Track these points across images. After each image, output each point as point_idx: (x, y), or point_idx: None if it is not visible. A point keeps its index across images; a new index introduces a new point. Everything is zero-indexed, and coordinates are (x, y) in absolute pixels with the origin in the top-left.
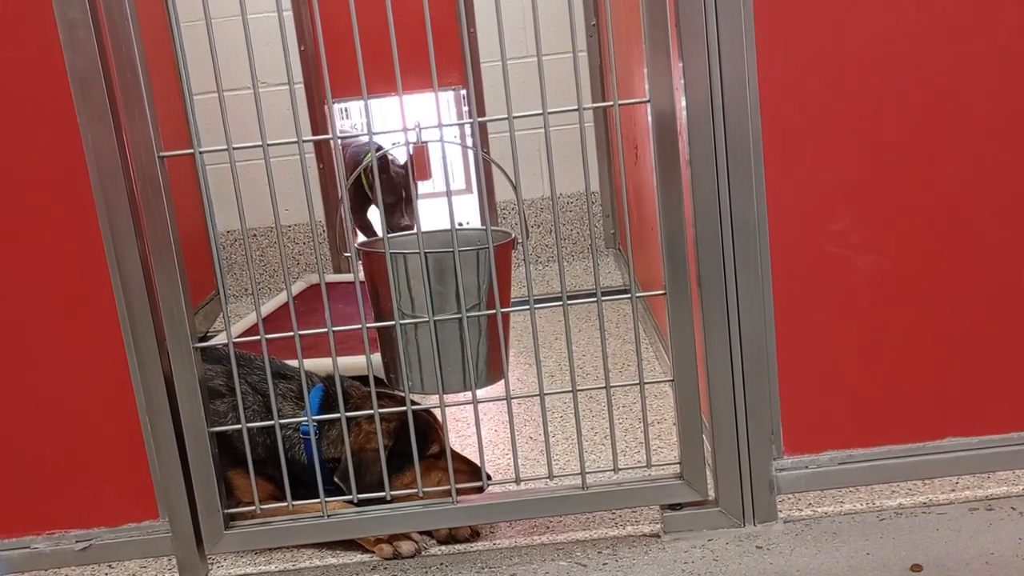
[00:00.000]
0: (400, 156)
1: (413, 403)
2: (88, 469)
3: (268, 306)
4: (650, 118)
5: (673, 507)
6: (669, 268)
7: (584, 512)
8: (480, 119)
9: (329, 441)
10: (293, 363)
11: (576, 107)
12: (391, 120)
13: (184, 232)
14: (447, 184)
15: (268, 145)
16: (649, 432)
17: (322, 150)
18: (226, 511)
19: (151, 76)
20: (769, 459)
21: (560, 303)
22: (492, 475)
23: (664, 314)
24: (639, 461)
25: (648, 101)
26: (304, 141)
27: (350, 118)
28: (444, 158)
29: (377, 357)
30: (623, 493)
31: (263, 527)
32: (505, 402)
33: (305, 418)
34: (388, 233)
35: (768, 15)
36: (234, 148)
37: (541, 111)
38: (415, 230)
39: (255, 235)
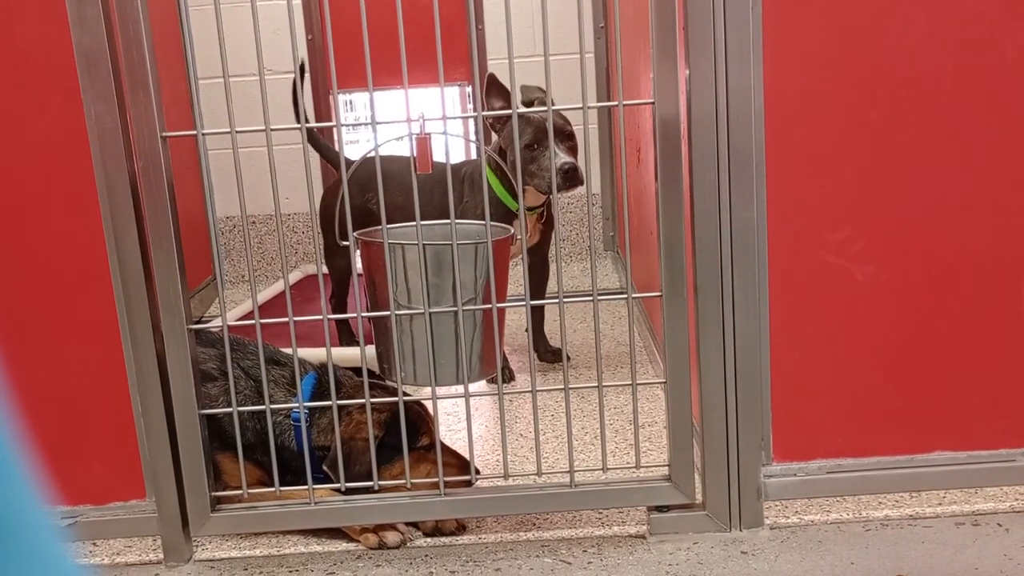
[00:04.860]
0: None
1: (405, 395)
2: (77, 446)
3: (264, 294)
4: (654, 120)
5: (660, 509)
6: (667, 271)
7: (571, 510)
8: (485, 113)
9: (320, 429)
10: (287, 350)
11: (581, 106)
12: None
13: (183, 217)
14: (448, 178)
15: (271, 130)
16: (640, 434)
17: (325, 139)
18: (213, 494)
19: (157, 59)
20: (758, 465)
21: (556, 301)
22: (481, 470)
23: (660, 317)
24: (629, 462)
25: (653, 103)
26: (308, 127)
27: (354, 110)
28: (447, 152)
29: (371, 349)
30: (611, 493)
31: (250, 511)
32: (497, 397)
33: (296, 405)
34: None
35: (776, 24)
36: (237, 131)
37: (545, 108)
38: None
39: (254, 222)
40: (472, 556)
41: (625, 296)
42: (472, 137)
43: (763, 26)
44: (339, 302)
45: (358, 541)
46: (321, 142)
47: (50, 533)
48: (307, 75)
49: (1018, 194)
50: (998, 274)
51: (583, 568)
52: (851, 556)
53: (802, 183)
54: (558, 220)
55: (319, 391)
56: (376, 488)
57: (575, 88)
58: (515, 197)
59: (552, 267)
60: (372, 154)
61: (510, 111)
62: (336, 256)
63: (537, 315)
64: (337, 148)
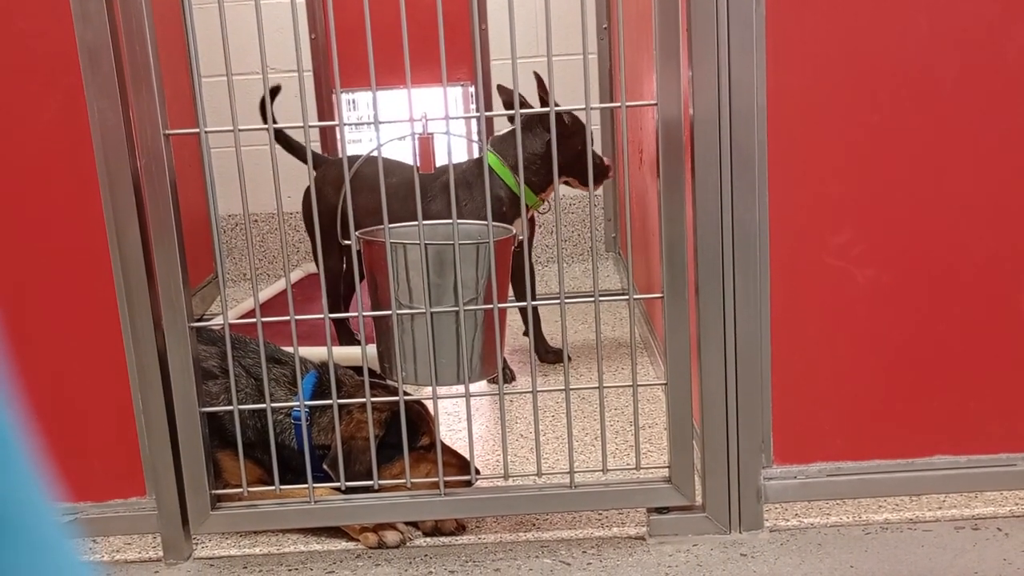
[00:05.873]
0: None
1: (406, 394)
2: (77, 443)
3: (265, 293)
4: (657, 122)
5: (660, 511)
6: (668, 272)
7: (571, 511)
8: (487, 113)
9: (320, 428)
10: (288, 349)
11: (584, 107)
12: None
13: (185, 215)
14: (451, 178)
15: (274, 128)
16: (640, 435)
17: (327, 138)
18: (213, 492)
19: (161, 57)
20: (758, 467)
21: (557, 301)
22: (481, 470)
23: (661, 319)
24: (629, 463)
25: (656, 104)
26: (310, 126)
27: (357, 109)
28: (449, 152)
29: (372, 348)
30: (611, 494)
31: (249, 510)
32: (497, 398)
33: (297, 403)
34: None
35: (779, 25)
36: (240, 129)
37: (549, 108)
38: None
39: (256, 221)
40: (471, 556)
41: (626, 297)
42: (475, 137)
43: (766, 27)
44: (334, 302)
45: (358, 540)
46: (293, 142)
47: (56, 527)
48: (277, 96)
49: (1018, 195)
50: (998, 276)
51: (582, 569)
52: (850, 559)
53: (804, 185)
54: (558, 216)
55: (320, 390)
56: (376, 487)
57: (578, 89)
58: (532, 188)
59: (553, 267)
60: (373, 154)
61: (511, 112)
62: (325, 256)
63: (534, 316)
64: (339, 147)
